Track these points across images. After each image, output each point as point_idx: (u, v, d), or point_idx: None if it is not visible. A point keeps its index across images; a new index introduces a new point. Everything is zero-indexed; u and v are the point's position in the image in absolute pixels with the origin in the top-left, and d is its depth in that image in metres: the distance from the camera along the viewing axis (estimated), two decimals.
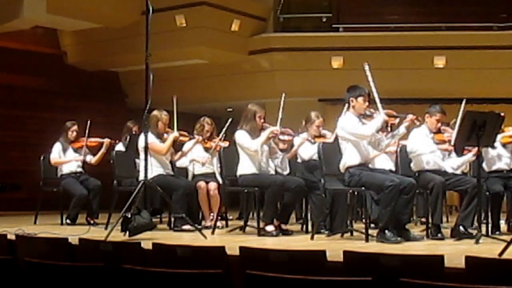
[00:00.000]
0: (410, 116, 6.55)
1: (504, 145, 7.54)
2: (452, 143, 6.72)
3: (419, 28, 12.97)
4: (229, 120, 8.36)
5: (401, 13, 13.60)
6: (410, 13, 13.52)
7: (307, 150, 7.71)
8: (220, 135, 8.38)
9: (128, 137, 8.83)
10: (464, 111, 6.55)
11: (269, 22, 13.73)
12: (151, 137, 7.48)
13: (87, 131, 8.81)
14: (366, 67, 6.41)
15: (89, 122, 8.78)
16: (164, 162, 7.79)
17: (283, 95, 7.17)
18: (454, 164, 7.22)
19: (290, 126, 7.52)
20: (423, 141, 6.88)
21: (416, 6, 13.56)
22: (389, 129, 7.25)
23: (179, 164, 8.33)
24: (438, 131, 6.99)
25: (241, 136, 7.09)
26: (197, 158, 8.40)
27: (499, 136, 6.98)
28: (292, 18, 13.95)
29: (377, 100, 6.39)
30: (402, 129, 6.60)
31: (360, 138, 6.39)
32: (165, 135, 7.90)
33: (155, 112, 7.75)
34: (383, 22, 13.31)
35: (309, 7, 14.13)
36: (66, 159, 8.82)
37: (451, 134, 6.80)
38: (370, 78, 6.39)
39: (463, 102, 6.73)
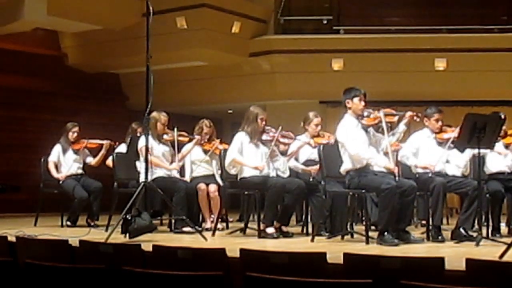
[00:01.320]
0: (409, 113, 6.56)
1: (506, 146, 7.54)
2: (450, 143, 6.76)
3: (419, 30, 12.96)
4: (219, 140, 8.40)
5: (401, 15, 13.60)
6: (411, 15, 13.52)
7: (305, 153, 7.70)
8: (218, 140, 8.40)
9: (129, 139, 8.83)
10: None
11: (269, 24, 13.73)
12: (149, 141, 7.47)
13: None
14: (382, 114, 6.41)
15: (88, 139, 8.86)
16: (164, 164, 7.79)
17: (280, 127, 7.18)
18: (460, 163, 7.23)
19: (291, 129, 7.52)
20: (421, 147, 6.89)
21: (417, 8, 13.55)
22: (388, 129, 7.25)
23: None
24: (440, 131, 6.99)
25: (234, 140, 7.12)
26: (187, 172, 8.41)
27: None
28: (292, 20, 13.94)
29: (389, 149, 6.38)
30: (402, 127, 6.60)
31: (346, 149, 6.38)
32: (165, 136, 7.90)
33: (153, 114, 7.75)
34: (383, 25, 13.31)
35: (309, 9, 14.12)
36: (64, 163, 8.80)
37: (451, 136, 6.82)
38: (384, 125, 6.39)
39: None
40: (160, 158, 7.80)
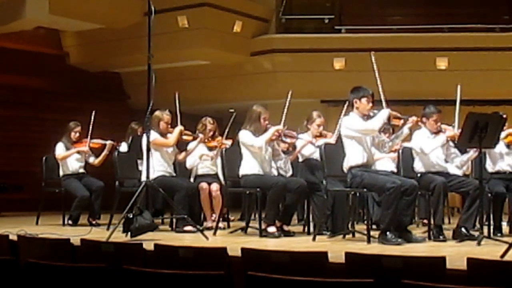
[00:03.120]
0: (413, 118, 6.56)
1: (508, 145, 7.54)
2: (451, 143, 6.75)
3: (421, 29, 12.96)
4: (233, 116, 8.36)
5: (403, 14, 13.60)
6: (412, 15, 13.52)
7: (306, 149, 7.70)
8: (225, 131, 8.37)
9: (131, 138, 8.83)
10: (461, 96, 6.59)
11: (271, 23, 13.73)
12: (155, 134, 7.49)
13: (91, 122, 8.78)
14: (373, 57, 6.42)
15: (94, 112, 8.76)
16: (166, 163, 7.79)
17: (290, 92, 7.17)
18: (458, 162, 7.23)
19: (293, 127, 7.52)
20: (427, 140, 6.87)
21: (418, 7, 13.55)
22: (391, 131, 7.27)
23: (189, 166, 8.31)
24: (439, 131, 6.98)
25: (245, 135, 7.10)
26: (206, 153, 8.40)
27: (503, 134, 6.99)
28: (294, 20, 13.94)
29: (381, 93, 6.39)
30: (405, 130, 6.59)
31: (367, 133, 6.38)
32: (168, 135, 7.90)
33: (157, 113, 7.75)
34: (385, 24, 13.30)
35: (311, 8, 14.12)
36: (66, 163, 8.80)
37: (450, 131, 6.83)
38: (375, 67, 6.41)
39: (458, 87, 6.77)
40: (164, 157, 7.79)
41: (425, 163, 6.85)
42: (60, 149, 8.80)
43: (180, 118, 7.99)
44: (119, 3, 12.45)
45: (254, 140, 7.02)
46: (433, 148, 6.78)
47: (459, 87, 6.79)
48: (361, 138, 6.42)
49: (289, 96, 7.16)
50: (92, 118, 8.78)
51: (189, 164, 8.31)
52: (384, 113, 6.35)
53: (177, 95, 7.96)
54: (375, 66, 6.45)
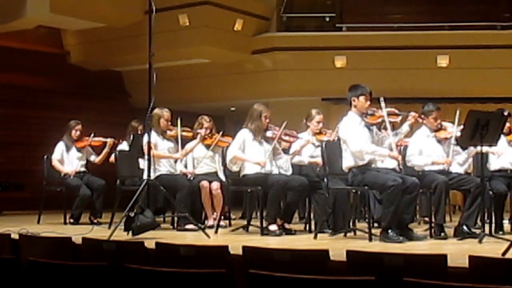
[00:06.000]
0: (413, 114, 6.55)
1: (510, 143, 7.53)
2: (453, 141, 6.74)
3: (422, 27, 12.96)
4: (221, 133, 8.37)
5: (404, 12, 13.59)
6: (413, 13, 13.52)
7: (301, 156, 7.69)
8: (220, 133, 8.39)
9: (132, 137, 8.83)
10: (459, 117, 6.62)
11: (272, 22, 13.73)
12: (154, 137, 7.49)
13: (92, 136, 8.87)
14: (382, 100, 6.39)
15: (92, 134, 8.89)
16: (168, 162, 7.79)
17: (285, 123, 7.16)
18: (460, 159, 7.22)
19: (294, 126, 7.52)
20: (423, 147, 6.86)
21: (419, 5, 13.56)
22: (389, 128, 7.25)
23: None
24: (439, 128, 6.97)
25: (236, 136, 7.12)
26: (186, 170, 8.40)
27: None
28: (295, 18, 13.94)
29: (390, 132, 6.38)
30: (405, 127, 6.59)
31: (347, 146, 6.38)
32: (168, 132, 7.91)
33: (156, 110, 7.75)
34: (386, 22, 13.30)
35: (312, 6, 14.12)
36: (67, 161, 8.82)
37: (451, 131, 6.82)
38: (384, 112, 6.38)
39: (457, 112, 6.76)
40: (165, 154, 7.80)
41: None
42: (57, 153, 8.80)
43: (181, 143, 7.99)
44: (120, 1, 12.45)
45: (231, 148, 7.13)
46: (420, 164, 6.79)
47: (458, 111, 6.75)
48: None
49: (283, 126, 7.14)
50: (91, 137, 8.93)
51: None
52: (381, 151, 6.39)
53: (179, 121, 8.00)
54: (384, 111, 6.41)
